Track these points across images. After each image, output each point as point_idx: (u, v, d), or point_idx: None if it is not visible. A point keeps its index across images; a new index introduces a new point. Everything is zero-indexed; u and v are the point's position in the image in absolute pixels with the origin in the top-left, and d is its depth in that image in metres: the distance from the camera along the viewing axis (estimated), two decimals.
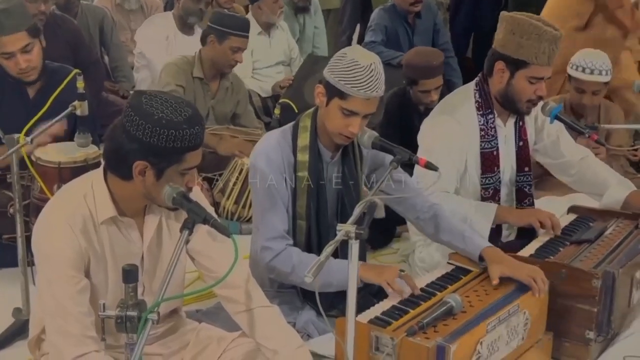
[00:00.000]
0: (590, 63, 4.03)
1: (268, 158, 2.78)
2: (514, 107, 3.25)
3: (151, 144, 2.05)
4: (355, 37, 6.87)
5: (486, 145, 3.29)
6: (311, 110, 2.87)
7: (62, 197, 2.23)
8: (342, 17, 6.93)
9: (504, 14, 3.19)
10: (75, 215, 2.15)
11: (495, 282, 2.73)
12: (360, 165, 2.93)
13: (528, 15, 3.15)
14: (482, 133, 3.27)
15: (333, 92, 2.68)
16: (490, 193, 3.33)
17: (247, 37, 4.50)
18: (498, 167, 3.33)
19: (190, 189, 2.16)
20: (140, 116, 2.06)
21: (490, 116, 3.28)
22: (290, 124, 2.89)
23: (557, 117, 3.28)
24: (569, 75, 4.13)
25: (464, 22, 6.75)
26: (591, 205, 3.53)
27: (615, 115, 4.42)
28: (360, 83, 2.62)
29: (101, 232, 2.19)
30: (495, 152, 3.30)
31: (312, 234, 2.86)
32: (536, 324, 2.75)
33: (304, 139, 2.82)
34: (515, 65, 3.14)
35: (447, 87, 4.68)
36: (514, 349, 2.64)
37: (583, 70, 4.04)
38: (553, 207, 3.54)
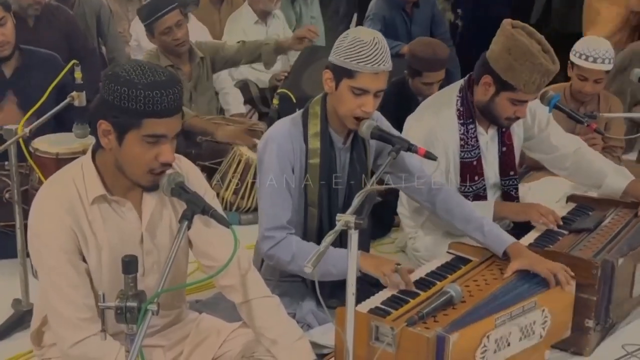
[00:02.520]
0: (594, 51, 3.99)
1: (278, 146, 2.76)
2: (494, 120, 3.22)
3: (109, 102, 2.03)
4: (352, 27, 6.86)
5: (466, 155, 3.26)
6: (319, 96, 2.84)
7: (50, 183, 2.21)
8: (339, 7, 6.91)
9: (506, 24, 3.06)
10: (62, 197, 2.13)
11: (506, 276, 2.72)
12: (367, 151, 2.92)
13: (531, 38, 3.01)
14: (462, 143, 3.24)
15: (341, 73, 2.67)
16: (470, 200, 3.25)
17: (170, 11, 4.33)
18: (480, 175, 3.30)
19: (164, 165, 2.10)
20: (108, 77, 2.05)
21: (471, 126, 3.24)
22: (300, 112, 2.87)
23: (556, 107, 3.27)
24: (572, 62, 4.11)
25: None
26: (590, 192, 3.54)
27: (615, 106, 4.41)
28: (366, 58, 2.61)
29: (92, 212, 2.15)
30: (475, 162, 3.27)
31: (324, 221, 2.84)
32: (559, 324, 2.70)
33: (314, 126, 2.80)
34: (502, 85, 3.07)
35: (445, 77, 4.66)
36: (530, 346, 2.59)
37: (586, 59, 4.00)
38: (553, 187, 3.54)
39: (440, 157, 3.20)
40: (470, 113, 3.23)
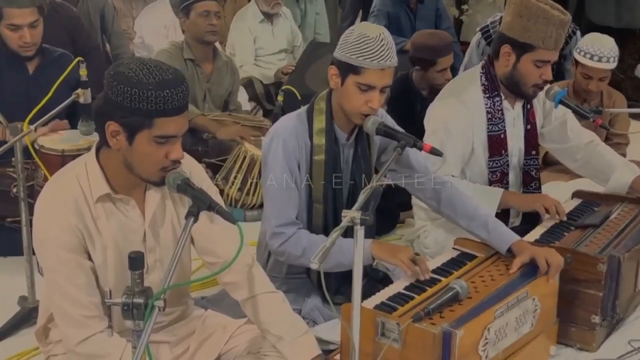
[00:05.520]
0: (599, 50, 3.99)
1: (284, 142, 2.74)
2: (520, 91, 3.24)
3: (118, 102, 2.02)
4: (356, 23, 6.85)
5: (493, 128, 3.28)
6: (324, 92, 2.83)
7: (54, 181, 2.21)
8: (344, 3, 6.91)
9: None
10: (66, 196, 2.13)
11: (512, 271, 2.72)
12: (371, 146, 2.92)
13: (537, 0, 3.11)
14: (489, 116, 3.27)
15: (347, 69, 2.65)
16: (497, 176, 3.32)
17: None
18: (505, 150, 3.32)
19: (174, 162, 2.10)
20: (113, 76, 2.04)
21: (497, 99, 3.27)
22: (305, 107, 2.86)
23: (561, 102, 3.27)
24: (576, 60, 4.10)
25: None
26: (596, 190, 3.52)
27: (619, 101, 4.40)
28: (372, 54, 2.60)
29: (97, 211, 2.16)
30: (502, 135, 3.29)
31: (329, 218, 2.83)
32: (546, 311, 2.73)
33: (319, 122, 2.79)
34: (522, 48, 3.12)
35: (450, 72, 4.68)
36: (523, 335, 2.62)
37: (591, 58, 4.00)
38: (558, 192, 3.53)
39: (464, 140, 3.24)
40: (496, 87, 3.27)
